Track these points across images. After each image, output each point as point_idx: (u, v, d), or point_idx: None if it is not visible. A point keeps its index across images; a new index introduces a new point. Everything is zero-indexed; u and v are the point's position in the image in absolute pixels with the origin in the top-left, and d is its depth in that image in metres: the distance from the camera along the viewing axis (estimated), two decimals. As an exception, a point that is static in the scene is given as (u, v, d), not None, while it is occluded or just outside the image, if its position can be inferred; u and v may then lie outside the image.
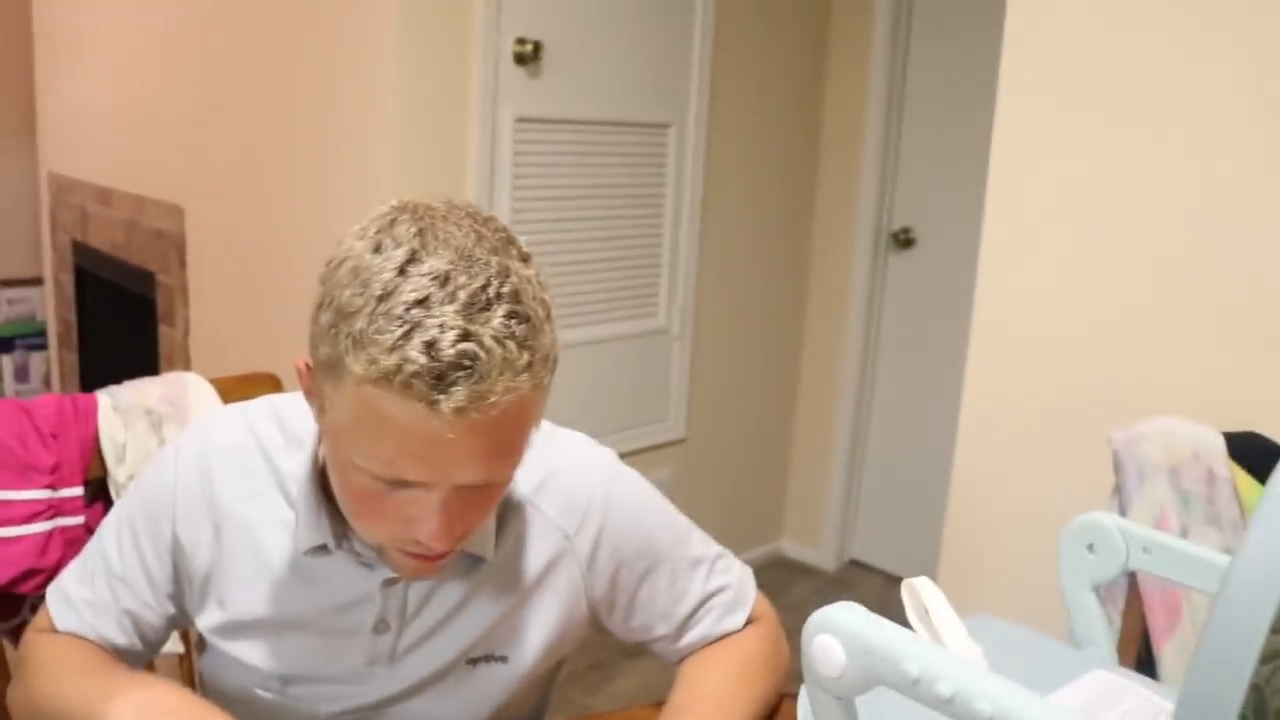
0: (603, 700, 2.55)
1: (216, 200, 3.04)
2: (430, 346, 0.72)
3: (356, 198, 2.49)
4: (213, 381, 1.41)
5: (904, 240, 3.21)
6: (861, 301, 3.26)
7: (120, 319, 3.70)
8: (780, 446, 3.45)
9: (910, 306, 3.24)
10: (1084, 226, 1.68)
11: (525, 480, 0.98)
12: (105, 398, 1.34)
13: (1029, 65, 1.71)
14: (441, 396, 0.72)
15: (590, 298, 2.68)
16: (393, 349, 0.72)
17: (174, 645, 1.39)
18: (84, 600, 0.99)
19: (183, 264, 3.19)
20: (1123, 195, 1.63)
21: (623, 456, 1.07)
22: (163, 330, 3.35)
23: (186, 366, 3.18)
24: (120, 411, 1.34)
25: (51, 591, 1.02)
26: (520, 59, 2.47)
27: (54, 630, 1.00)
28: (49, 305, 4.24)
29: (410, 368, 0.72)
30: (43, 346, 4.46)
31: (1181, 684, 0.58)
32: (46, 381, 4.46)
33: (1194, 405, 1.52)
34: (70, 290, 3.99)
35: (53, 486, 1.27)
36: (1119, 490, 1.47)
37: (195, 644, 1.15)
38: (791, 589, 3.20)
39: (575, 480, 1.00)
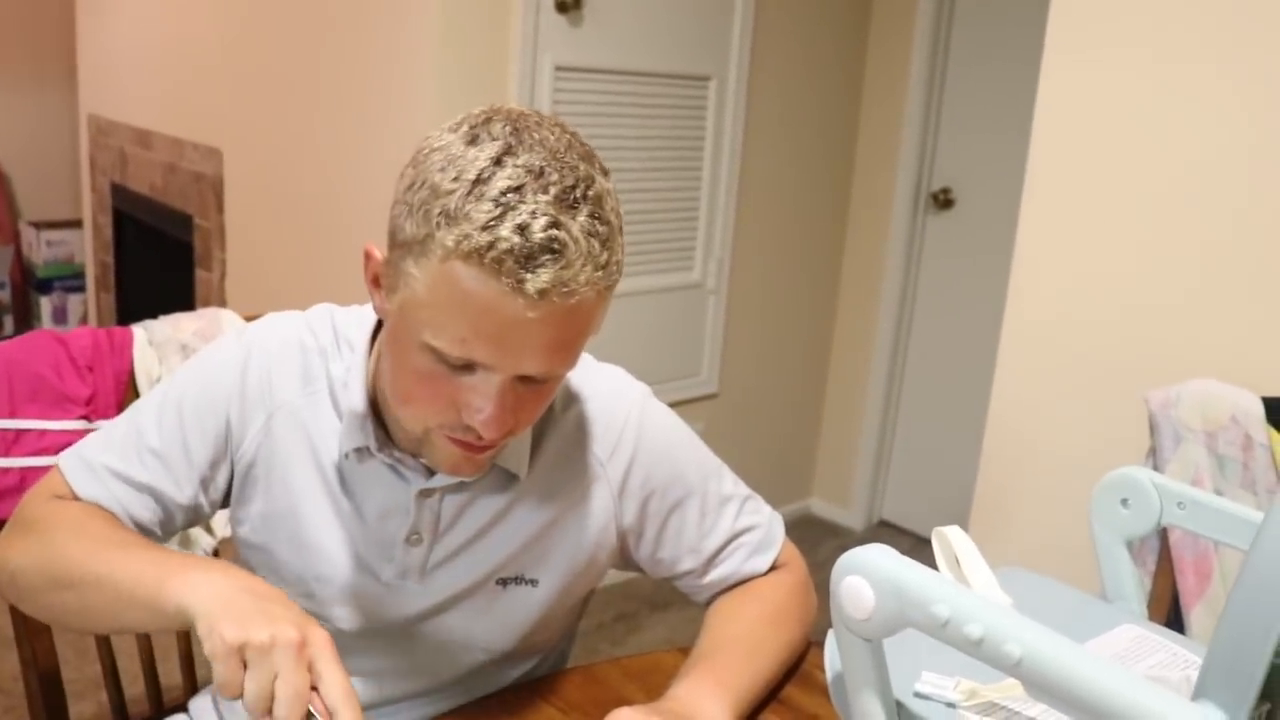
0: (628, 651, 2.57)
1: (255, 144, 3.04)
2: (523, 229, 0.75)
3: (394, 143, 2.49)
4: (247, 318, 1.42)
5: (943, 201, 3.17)
6: (899, 262, 3.23)
7: (157, 261, 3.73)
8: (812, 405, 3.44)
9: (948, 268, 3.20)
10: (1128, 187, 1.65)
11: (563, 403, 1.00)
12: (141, 331, 1.36)
13: (1075, 20, 1.68)
14: (529, 276, 0.75)
15: (626, 250, 2.65)
16: (486, 227, 0.75)
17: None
18: (110, 470, 0.95)
19: (220, 207, 3.20)
20: (1169, 156, 1.60)
21: (654, 409, 1.07)
22: (199, 273, 3.37)
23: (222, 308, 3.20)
24: (155, 345, 1.35)
25: (70, 459, 0.97)
26: (562, 6, 2.44)
27: (72, 497, 0.96)
28: (87, 247, 4.28)
29: (502, 245, 0.75)
30: (80, 289, 4.50)
31: (1214, 630, 0.58)
32: (84, 323, 4.51)
33: (1233, 368, 1.50)
34: (109, 232, 4.02)
35: (88, 417, 1.29)
36: (1154, 452, 1.46)
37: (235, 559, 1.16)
38: (819, 548, 3.20)
39: (611, 407, 1.02)
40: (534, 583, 1.01)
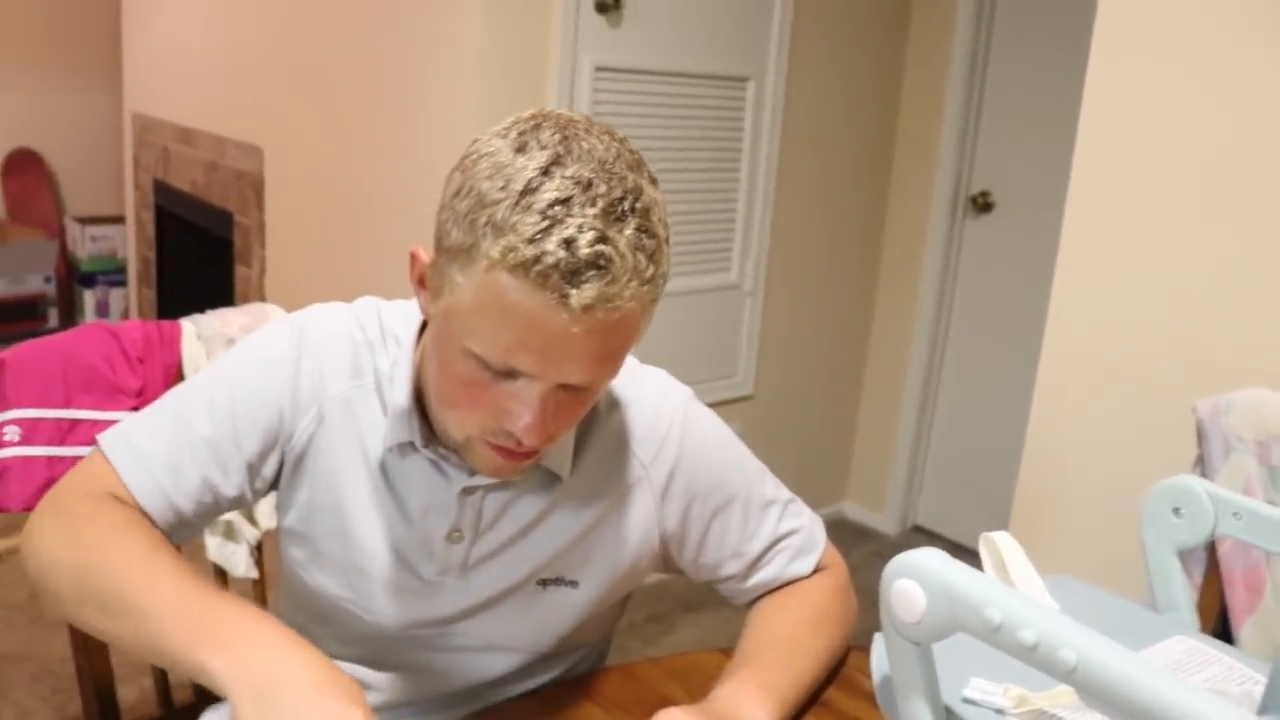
0: (660, 652, 2.56)
1: (296, 142, 3.07)
2: (569, 243, 0.75)
3: (434, 142, 2.50)
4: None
5: (983, 204, 3.15)
6: (936, 265, 3.21)
7: (198, 257, 3.77)
8: (848, 408, 3.42)
9: (986, 272, 3.18)
10: (1176, 189, 1.63)
11: (607, 405, 1.00)
12: (189, 325, 1.37)
13: (1123, 25, 1.66)
14: (574, 291, 0.75)
15: (662, 251, 2.66)
16: (532, 240, 0.75)
17: (250, 571, 1.42)
18: (158, 458, 0.92)
19: (260, 204, 3.23)
20: (1217, 158, 1.58)
21: (689, 410, 1.07)
22: (239, 270, 3.41)
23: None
24: (203, 339, 1.36)
25: (115, 443, 0.94)
26: (601, 7, 2.45)
27: (112, 489, 0.91)
28: (130, 243, 4.33)
29: (548, 259, 0.75)
30: (123, 283, 4.56)
31: (1277, 649, 0.57)
32: (125, 316, 4.57)
33: (1284, 378, 1.48)
34: (151, 228, 4.07)
35: (138, 408, 1.30)
36: (1201, 461, 1.44)
37: (268, 565, 1.16)
38: (852, 553, 3.19)
39: (654, 410, 1.01)
40: (574, 584, 1.01)
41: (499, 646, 1.03)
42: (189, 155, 3.66)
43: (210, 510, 0.97)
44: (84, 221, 4.58)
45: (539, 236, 0.75)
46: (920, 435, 3.35)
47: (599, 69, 2.48)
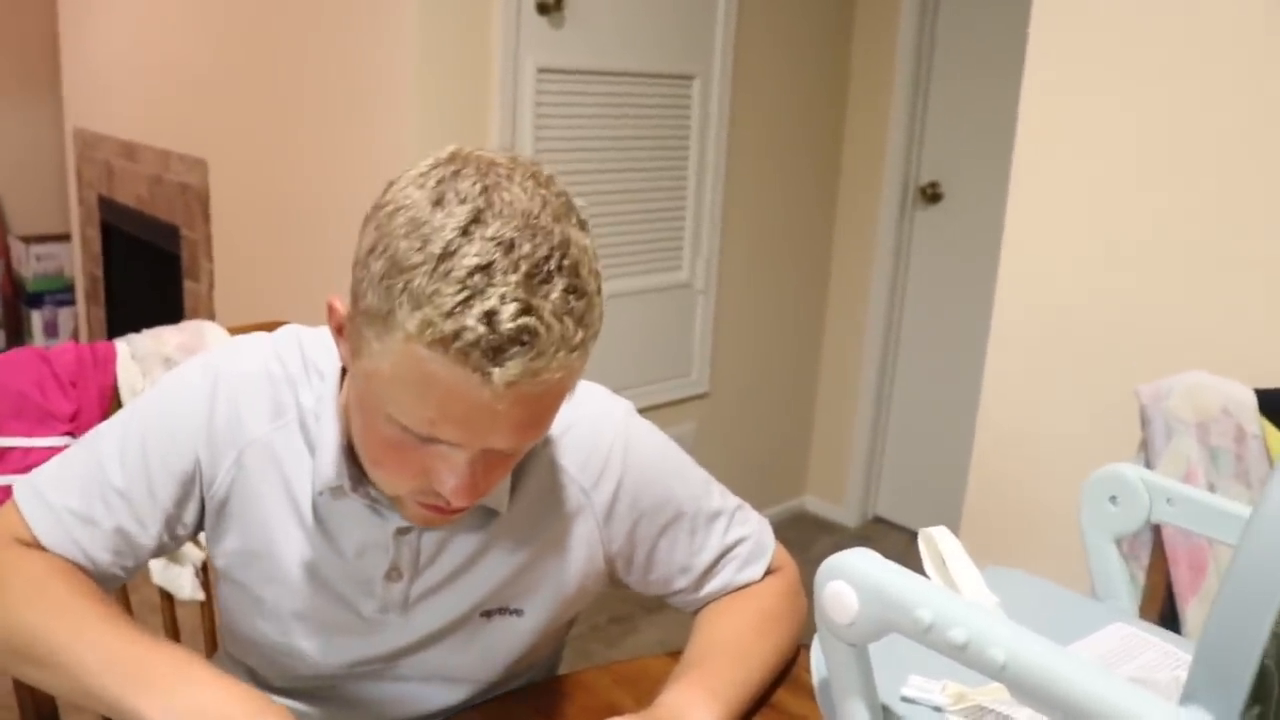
0: (622, 654, 2.56)
1: (240, 153, 3.03)
2: (490, 317, 0.70)
3: (378, 149, 2.48)
4: (231, 330, 1.41)
5: (932, 195, 3.17)
6: (888, 256, 3.22)
7: (146, 273, 3.72)
8: (804, 402, 3.43)
9: (937, 262, 3.20)
10: (1113, 179, 1.64)
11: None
12: (124, 346, 1.35)
13: (1058, 17, 1.67)
14: (496, 369, 0.71)
15: (613, 251, 2.66)
16: (450, 314, 0.70)
17: (195, 593, 1.40)
18: (70, 511, 0.90)
19: (206, 218, 3.19)
20: (1153, 147, 1.59)
21: (644, 411, 1.06)
22: (187, 284, 3.36)
23: (211, 319, 3.19)
24: (139, 359, 1.34)
25: (26, 495, 0.92)
26: (543, 8, 2.43)
27: (27, 542, 0.90)
28: (76, 261, 4.27)
29: (468, 336, 0.70)
30: (71, 302, 4.49)
31: (1201, 631, 0.57)
32: (75, 337, 4.50)
33: (1224, 360, 1.49)
34: (97, 245, 4.01)
35: (72, 434, 1.28)
36: (1145, 445, 1.45)
37: (215, 587, 1.14)
38: (814, 545, 3.20)
39: (593, 434, 0.99)
40: (519, 613, 1.00)
41: (445, 678, 1.02)
42: (132, 170, 3.61)
43: (130, 562, 0.94)
44: (28, 240, 4.50)
45: (458, 310, 0.70)
46: (878, 426, 3.37)
47: (542, 70, 2.47)
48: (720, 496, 1.07)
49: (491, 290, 0.71)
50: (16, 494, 0.92)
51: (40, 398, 1.26)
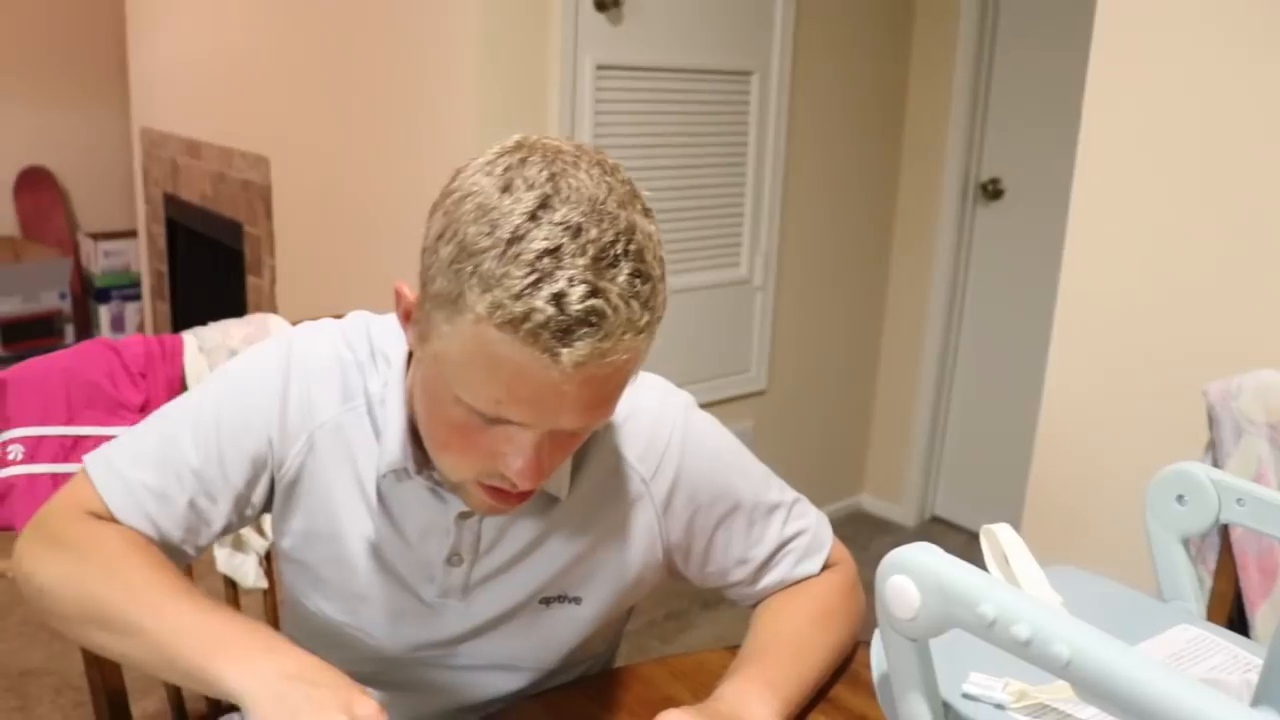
0: (678, 649, 2.56)
1: (301, 150, 3.07)
2: (559, 299, 0.72)
3: (438, 146, 2.50)
4: (293, 324, 1.43)
5: (993, 191, 3.13)
6: (948, 254, 3.19)
7: (210, 269, 3.79)
8: (862, 400, 3.40)
9: (998, 259, 3.16)
10: (1180, 175, 1.61)
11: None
12: (191, 339, 1.37)
13: (1125, 8, 1.64)
14: (564, 350, 0.73)
15: (672, 247, 2.65)
16: (520, 296, 0.72)
17: (259, 581, 1.43)
18: (145, 486, 0.92)
19: (269, 214, 3.24)
20: (1222, 143, 1.56)
21: (703, 407, 1.06)
22: (250, 280, 3.42)
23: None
24: (205, 352, 1.36)
25: (100, 469, 0.93)
26: (601, 5, 2.44)
27: (100, 514, 0.92)
28: (142, 257, 4.36)
29: (537, 317, 0.72)
30: (137, 297, 4.59)
31: (1274, 635, 0.56)
32: (141, 330, 4.60)
33: (1296, 358, 1.46)
34: (162, 242, 4.09)
35: (141, 424, 1.30)
36: (1213, 446, 1.42)
37: (278, 575, 1.16)
38: (870, 544, 3.17)
39: (653, 424, 0.99)
40: (578, 601, 1.00)
41: (504, 665, 1.03)
42: (197, 167, 3.68)
43: (201, 539, 0.96)
44: (96, 237, 4.61)
45: (527, 292, 0.72)
46: (936, 425, 3.34)
47: (600, 67, 2.48)
48: (779, 490, 1.07)
49: (560, 273, 0.72)
50: (90, 467, 0.94)
51: (111, 388, 1.29)
